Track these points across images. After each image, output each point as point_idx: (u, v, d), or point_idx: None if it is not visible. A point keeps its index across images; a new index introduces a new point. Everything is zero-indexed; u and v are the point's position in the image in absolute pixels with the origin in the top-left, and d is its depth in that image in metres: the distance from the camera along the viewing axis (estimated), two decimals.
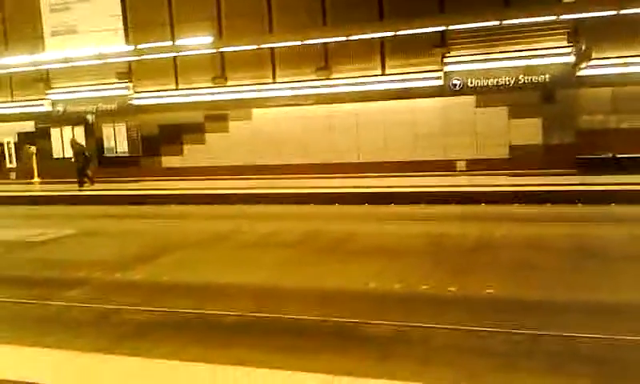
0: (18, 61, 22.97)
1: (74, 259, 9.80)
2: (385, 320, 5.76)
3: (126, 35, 21.78)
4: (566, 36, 17.04)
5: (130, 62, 22.16)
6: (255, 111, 20.42)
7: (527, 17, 16.73)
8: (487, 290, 6.61)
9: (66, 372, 4.27)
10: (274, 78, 20.39)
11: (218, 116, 20.98)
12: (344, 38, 18.67)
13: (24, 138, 24.20)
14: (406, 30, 17.88)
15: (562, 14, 16.40)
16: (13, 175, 24.71)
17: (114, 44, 21.60)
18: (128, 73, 22.31)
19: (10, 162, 24.92)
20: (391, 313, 6.03)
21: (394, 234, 10.58)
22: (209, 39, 20.21)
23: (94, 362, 4.46)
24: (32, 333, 5.99)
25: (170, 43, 20.91)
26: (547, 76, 17.23)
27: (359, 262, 8.60)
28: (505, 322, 5.56)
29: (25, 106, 24.21)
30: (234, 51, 20.36)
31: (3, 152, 24.94)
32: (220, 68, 20.96)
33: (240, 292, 7.22)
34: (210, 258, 9.48)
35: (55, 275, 8.65)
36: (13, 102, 24.60)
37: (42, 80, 23.51)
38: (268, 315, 6.15)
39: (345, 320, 5.85)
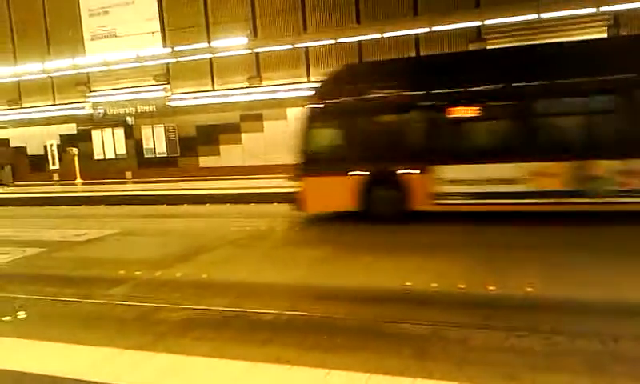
0: (59, 65, 23.69)
1: (115, 258, 10.07)
2: (422, 319, 5.75)
3: (163, 38, 22.19)
4: (606, 28, 16.55)
5: (167, 64, 22.57)
6: (290, 111, 20.54)
7: (565, 9, 16.32)
8: (527, 289, 6.52)
9: (108, 369, 4.41)
10: (308, 76, 20.46)
11: (253, 116, 21.18)
12: (378, 35, 18.60)
13: (66, 140, 24.93)
14: (441, 25, 17.73)
15: (601, 6, 15.95)
16: (56, 176, 25.48)
17: (151, 47, 22.05)
18: (165, 75, 22.72)
19: (54, 163, 25.68)
20: (428, 311, 6.02)
21: (429, 231, 10.52)
22: (244, 40, 20.42)
23: (136, 359, 4.60)
24: (76, 330, 6.20)
25: (206, 45, 21.22)
26: None
27: (394, 259, 8.58)
28: (544, 321, 5.49)
29: (67, 109, 24.89)
30: (269, 51, 20.54)
31: (47, 154, 25.72)
32: (255, 68, 21.15)
33: (277, 290, 7.31)
34: (247, 256, 9.61)
35: (97, 274, 8.91)
36: (55, 105, 25.34)
37: (83, 83, 24.14)
38: (304, 314, 6.21)
39: (381, 319, 5.86)
